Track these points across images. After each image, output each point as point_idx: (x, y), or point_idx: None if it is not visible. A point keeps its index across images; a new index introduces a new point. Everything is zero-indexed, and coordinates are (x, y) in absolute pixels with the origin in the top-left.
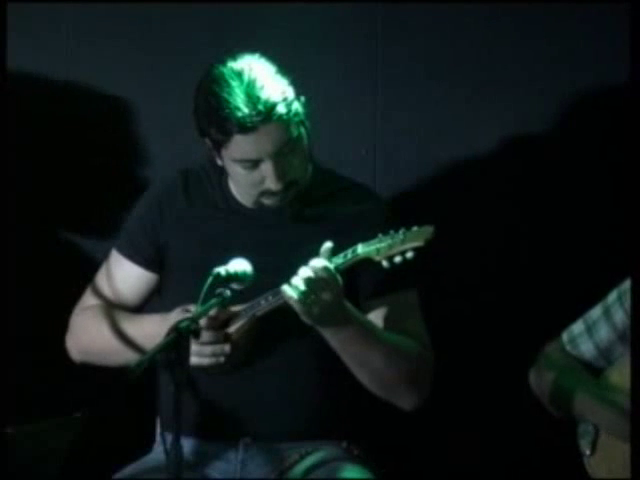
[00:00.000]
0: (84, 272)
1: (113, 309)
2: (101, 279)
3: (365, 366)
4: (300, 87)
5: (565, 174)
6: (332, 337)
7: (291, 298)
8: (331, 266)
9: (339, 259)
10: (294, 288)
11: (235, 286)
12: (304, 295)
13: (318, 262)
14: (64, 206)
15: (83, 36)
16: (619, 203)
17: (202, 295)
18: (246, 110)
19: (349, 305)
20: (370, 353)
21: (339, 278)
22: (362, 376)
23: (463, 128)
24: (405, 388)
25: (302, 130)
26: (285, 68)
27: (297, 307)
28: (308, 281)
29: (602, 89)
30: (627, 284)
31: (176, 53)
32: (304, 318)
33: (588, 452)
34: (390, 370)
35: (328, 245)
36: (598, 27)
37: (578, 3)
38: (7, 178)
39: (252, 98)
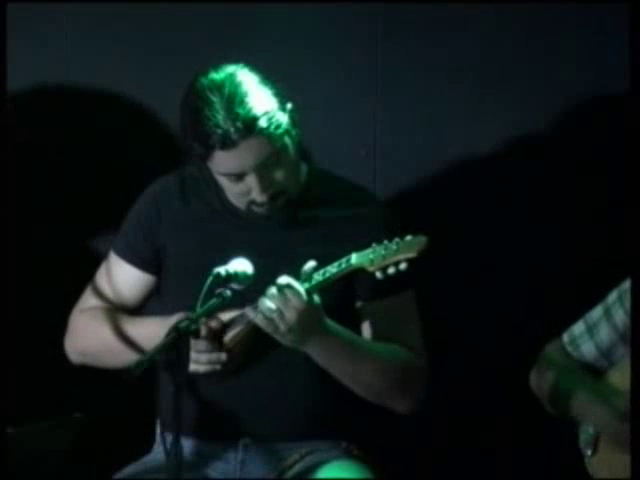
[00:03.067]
0: (84, 272)
1: (113, 311)
2: (100, 281)
3: (354, 380)
4: (300, 88)
5: (565, 174)
6: (316, 355)
7: (256, 317)
8: (297, 284)
9: (333, 268)
10: (258, 309)
11: (235, 286)
12: (269, 312)
13: (283, 279)
14: (64, 206)
15: (83, 36)
16: (619, 203)
17: (202, 295)
18: (225, 127)
19: (330, 322)
20: (357, 367)
21: (315, 298)
22: (352, 387)
23: (463, 128)
24: (397, 395)
25: (287, 140)
26: (272, 76)
27: (263, 325)
28: (272, 298)
29: (602, 89)
30: (627, 284)
31: (176, 53)
32: (276, 337)
33: (589, 453)
34: (380, 381)
35: (310, 264)
36: (598, 27)
37: (578, 3)
38: (7, 178)
39: (231, 114)
